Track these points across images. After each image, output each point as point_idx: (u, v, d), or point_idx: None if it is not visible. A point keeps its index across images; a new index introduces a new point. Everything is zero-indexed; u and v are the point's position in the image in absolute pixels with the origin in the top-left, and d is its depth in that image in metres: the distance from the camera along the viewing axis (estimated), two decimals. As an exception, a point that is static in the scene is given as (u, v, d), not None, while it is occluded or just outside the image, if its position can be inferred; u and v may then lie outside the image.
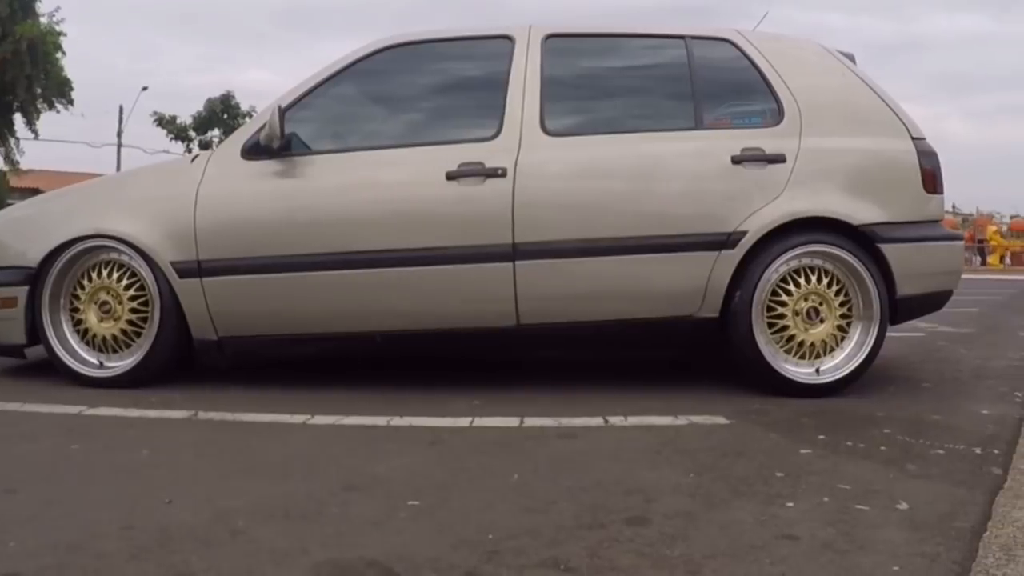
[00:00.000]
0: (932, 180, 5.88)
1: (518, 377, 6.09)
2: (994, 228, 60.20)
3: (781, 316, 5.60)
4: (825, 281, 5.63)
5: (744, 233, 5.55)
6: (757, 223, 5.56)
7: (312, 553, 2.87)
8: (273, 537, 3.03)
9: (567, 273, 5.56)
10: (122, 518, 3.22)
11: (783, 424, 4.86)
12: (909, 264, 5.70)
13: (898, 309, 5.81)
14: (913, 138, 5.89)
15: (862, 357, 5.63)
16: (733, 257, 5.56)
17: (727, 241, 5.55)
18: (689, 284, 5.59)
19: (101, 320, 5.81)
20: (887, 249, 5.62)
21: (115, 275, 5.80)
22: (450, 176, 5.56)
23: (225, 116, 50.27)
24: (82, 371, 5.82)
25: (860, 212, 5.63)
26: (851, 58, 6.31)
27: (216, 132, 49.66)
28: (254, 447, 4.35)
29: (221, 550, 2.91)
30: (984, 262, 55.48)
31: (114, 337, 5.81)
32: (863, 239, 5.62)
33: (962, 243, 6.27)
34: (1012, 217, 73.61)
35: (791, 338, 5.61)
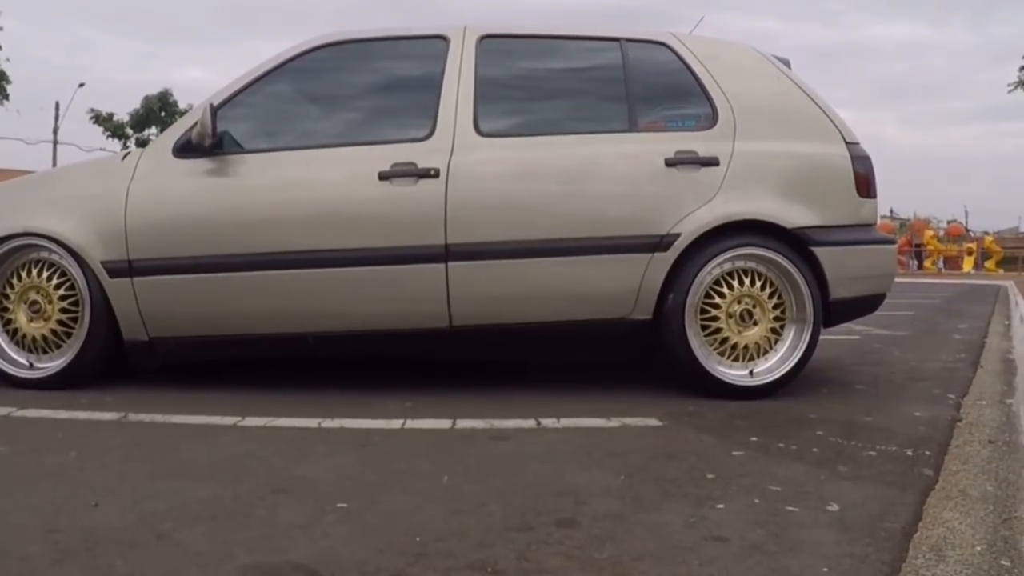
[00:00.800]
0: (865, 184, 5.93)
1: (452, 379, 6.08)
2: (931, 233, 60.71)
3: (715, 319, 5.62)
4: (758, 284, 5.66)
5: (677, 235, 5.56)
6: (690, 226, 5.57)
7: (238, 556, 2.84)
8: (199, 540, 2.99)
9: (500, 275, 5.55)
10: (48, 521, 3.18)
11: (716, 426, 4.87)
12: (842, 267, 5.75)
13: (831, 312, 5.87)
14: (847, 142, 5.94)
15: (795, 359, 5.67)
16: (666, 259, 5.57)
17: (660, 243, 5.56)
18: (622, 286, 5.60)
19: (31, 320, 5.75)
20: (820, 252, 5.66)
21: (45, 274, 5.74)
22: (382, 176, 5.53)
23: (163, 114, 50.14)
24: (12, 372, 5.76)
25: (793, 215, 5.67)
26: (786, 63, 6.35)
27: (153, 130, 49.56)
28: (183, 449, 4.30)
29: (146, 553, 2.87)
30: (921, 266, 56.04)
31: (44, 337, 5.75)
32: (796, 242, 5.65)
33: (895, 247, 6.31)
34: (949, 222, 74.29)
35: (724, 340, 5.64)
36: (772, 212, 5.66)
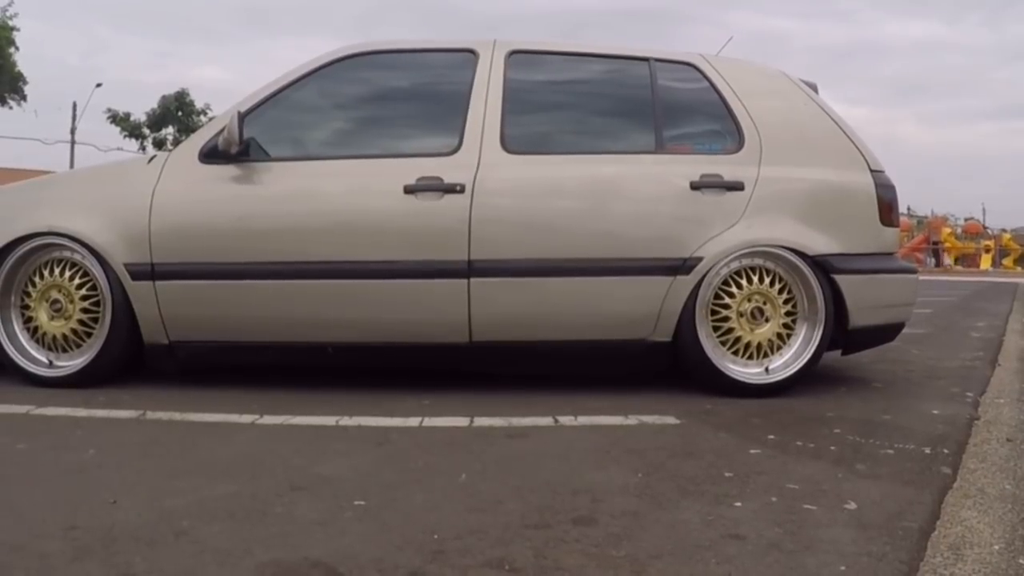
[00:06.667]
0: (889, 212, 5.96)
1: (469, 377, 6.05)
2: (949, 230, 60.68)
3: (726, 319, 5.64)
4: (767, 280, 5.67)
5: (700, 259, 5.57)
6: (713, 250, 5.59)
7: (256, 554, 2.86)
8: (217, 537, 3.00)
9: (522, 292, 5.56)
10: (66, 518, 3.19)
11: (733, 424, 4.88)
12: (863, 296, 5.78)
13: (850, 340, 5.93)
14: (872, 170, 5.96)
15: (810, 354, 5.69)
16: (688, 283, 5.58)
17: (682, 267, 5.57)
18: (643, 308, 5.61)
19: (52, 319, 5.75)
20: (842, 280, 5.68)
21: (67, 274, 5.74)
22: (408, 190, 5.53)
23: (180, 113, 50.24)
24: (32, 370, 5.75)
25: (816, 243, 5.68)
26: (814, 87, 6.35)
27: (170, 129, 49.63)
28: (201, 447, 4.32)
29: (164, 551, 2.88)
30: (939, 264, 56.02)
31: (64, 336, 5.75)
32: (817, 267, 5.68)
33: (916, 276, 6.31)
34: (967, 219, 74.24)
35: (737, 339, 5.65)
36: (795, 239, 5.67)
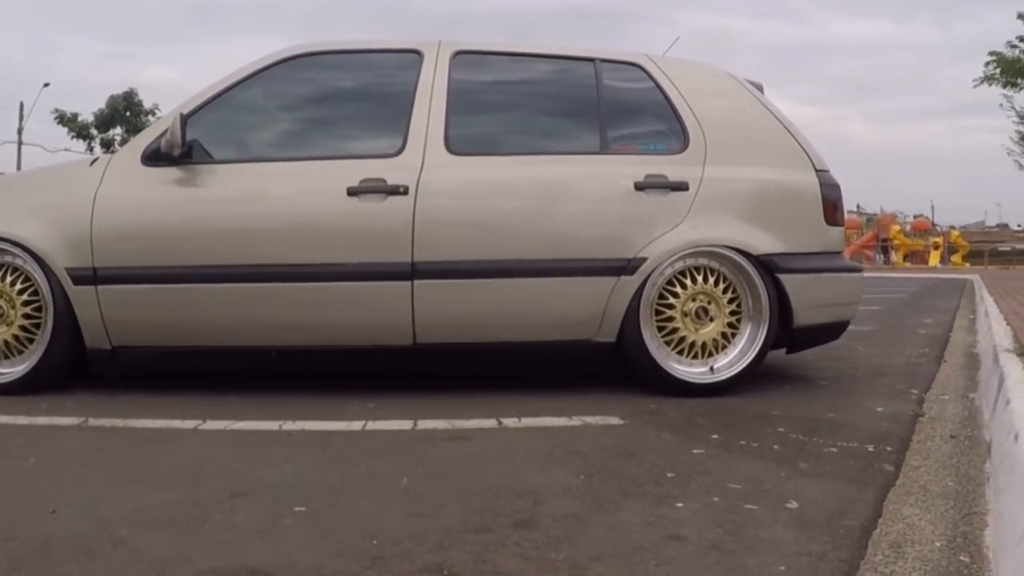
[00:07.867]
0: (834, 212, 6.01)
1: (414, 380, 6.06)
2: (897, 228, 61.04)
3: (670, 319, 5.66)
4: (712, 280, 5.70)
5: (644, 260, 5.60)
6: (657, 250, 5.61)
7: (194, 562, 2.83)
8: (156, 546, 2.98)
9: (466, 294, 5.56)
10: (3, 529, 3.16)
11: (677, 424, 4.89)
12: (808, 295, 5.82)
13: (795, 339, 5.98)
14: (816, 170, 6.01)
15: (755, 353, 5.73)
16: (632, 283, 5.60)
17: (627, 267, 5.59)
18: (588, 308, 5.62)
19: (-7, 325, 5.68)
20: (786, 279, 5.72)
21: (8, 279, 5.67)
22: (351, 192, 5.52)
23: (128, 114, 49.89)
24: (-28, 376, 5.68)
25: (761, 243, 5.72)
26: (759, 87, 6.38)
27: (118, 130, 49.30)
28: (142, 454, 4.29)
29: (103, 560, 2.86)
30: (888, 261, 56.40)
31: (6, 342, 5.68)
32: (761, 266, 5.70)
33: (861, 275, 6.39)
34: (915, 217, 74.79)
35: (682, 339, 5.67)
36: (739, 239, 5.70)
